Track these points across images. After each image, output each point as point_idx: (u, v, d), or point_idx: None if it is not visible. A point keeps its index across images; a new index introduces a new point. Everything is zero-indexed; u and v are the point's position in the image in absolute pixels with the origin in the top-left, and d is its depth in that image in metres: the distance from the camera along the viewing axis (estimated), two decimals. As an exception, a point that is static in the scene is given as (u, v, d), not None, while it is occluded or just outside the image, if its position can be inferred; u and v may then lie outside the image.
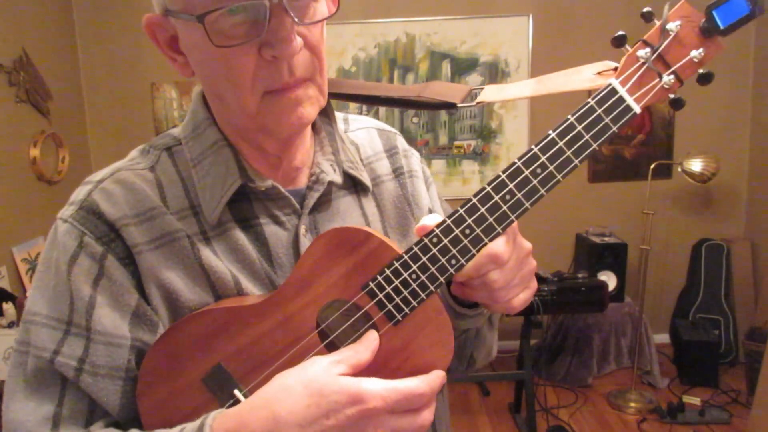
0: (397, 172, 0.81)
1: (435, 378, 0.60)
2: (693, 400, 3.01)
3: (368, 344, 0.61)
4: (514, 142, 3.54)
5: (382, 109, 3.42)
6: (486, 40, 3.44)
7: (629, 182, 3.44)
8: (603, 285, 2.88)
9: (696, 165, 3.05)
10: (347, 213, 0.74)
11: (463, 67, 3.46)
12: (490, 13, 3.42)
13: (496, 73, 3.46)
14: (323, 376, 0.56)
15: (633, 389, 3.07)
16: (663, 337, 3.63)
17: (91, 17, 3.39)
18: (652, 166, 3.07)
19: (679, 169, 3.14)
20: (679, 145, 3.48)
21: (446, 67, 3.47)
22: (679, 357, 3.29)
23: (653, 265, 3.51)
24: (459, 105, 0.75)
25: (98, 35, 3.41)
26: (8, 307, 2.21)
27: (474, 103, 0.73)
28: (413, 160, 0.84)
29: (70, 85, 3.32)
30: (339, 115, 0.81)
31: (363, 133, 0.82)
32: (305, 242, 0.69)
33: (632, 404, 3.00)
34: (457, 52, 3.45)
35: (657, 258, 3.55)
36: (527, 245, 0.65)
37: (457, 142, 3.55)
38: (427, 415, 0.60)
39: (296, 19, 0.58)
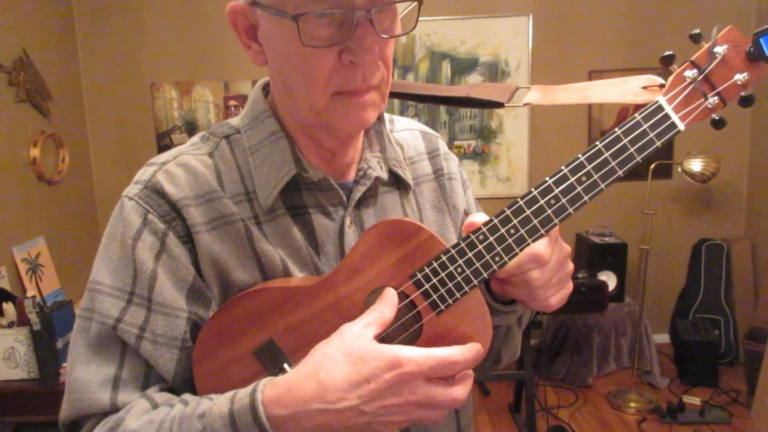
0: (437, 174, 0.85)
1: (469, 349, 0.63)
2: (693, 400, 3.01)
3: (389, 303, 0.64)
4: (514, 142, 3.54)
5: (382, 109, 3.42)
6: (486, 40, 3.44)
7: (629, 182, 3.44)
8: (603, 285, 2.87)
9: (696, 165, 3.05)
10: (390, 208, 0.78)
11: (463, 67, 3.46)
12: (490, 13, 3.42)
13: (496, 73, 3.46)
14: (362, 342, 0.60)
15: (633, 389, 3.07)
16: (663, 337, 3.63)
17: (91, 17, 3.39)
18: (652, 166, 3.07)
19: (679, 169, 3.14)
20: (679, 145, 3.48)
21: (446, 67, 3.47)
22: (679, 357, 3.30)
23: (653, 265, 3.51)
24: (506, 105, 0.79)
25: (98, 35, 3.41)
26: (8, 307, 2.21)
27: (521, 104, 0.77)
28: (452, 163, 0.88)
29: (70, 85, 3.32)
30: (385, 116, 0.84)
31: (407, 134, 0.86)
32: (350, 233, 0.73)
33: (632, 404, 3.00)
34: (457, 52, 3.45)
35: (657, 258, 3.55)
36: (567, 248, 0.68)
37: (457, 142, 3.55)
38: (460, 390, 0.61)
39: (379, 32, 0.62)
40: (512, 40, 3.43)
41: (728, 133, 3.51)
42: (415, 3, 0.66)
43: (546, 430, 2.80)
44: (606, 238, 3.30)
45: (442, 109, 3.53)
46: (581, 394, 3.19)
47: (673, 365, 3.37)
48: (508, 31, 3.43)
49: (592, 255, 3.24)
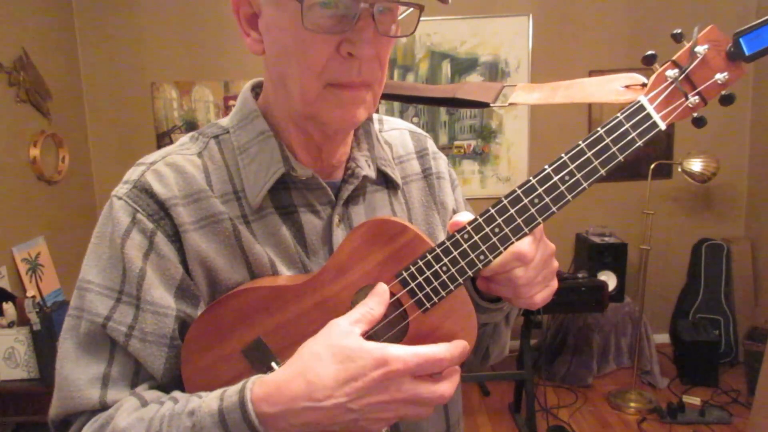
0: (426, 173, 0.86)
1: (455, 346, 0.63)
2: (693, 400, 3.01)
3: (379, 299, 0.64)
4: (514, 142, 3.54)
5: (382, 108, 3.42)
6: (486, 40, 3.44)
7: (629, 182, 3.44)
8: (603, 285, 2.88)
9: (696, 165, 3.05)
10: (378, 207, 0.79)
11: (463, 67, 3.46)
12: (490, 13, 3.42)
13: (496, 73, 3.46)
14: (348, 340, 0.60)
15: (633, 389, 3.07)
16: (663, 337, 3.63)
17: (91, 17, 3.39)
18: (652, 166, 3.07)
19: (679, 169, 3.14)
20: (679, 145, 3.48)
21: (446, 67, 3.47)
22: (679, 357, 3.30)
23: (653, 265, 3.51)
24: (491, 105, 0.80)
25: (98, 35, 3.41)
26: (8, 307, 2.21)
27: (506, 104, 0.78)
28: (441, 162, 0.88)
29: (70, 85, 3.32)
30: (374, 116, 0.84)
31: (396, 133, 0.87)
32: (338, 231, 0.74)
33: (632, 404, 3.01)
34: (457, 52, 3.45)
35: (657, 258, 3.55)
36: (551, 246, 0.69)
37: (457, 142, 3.55)
38: (446, 387, 0.62)
39: (380, 30, 0.63)
40: (512, 40, 3.43)
41: (728, 133, 3.51)
42: (418, 9, 0.67)
43: (546, 430, 2.80)
44: (606, 238, 3.30)
45: (442, 109, 3.53)
46: (581, 394, 3.19)
47: (673, 365, 3.37)
48: (508, 31, 3.43)
49: (592, 255, 3.24)
